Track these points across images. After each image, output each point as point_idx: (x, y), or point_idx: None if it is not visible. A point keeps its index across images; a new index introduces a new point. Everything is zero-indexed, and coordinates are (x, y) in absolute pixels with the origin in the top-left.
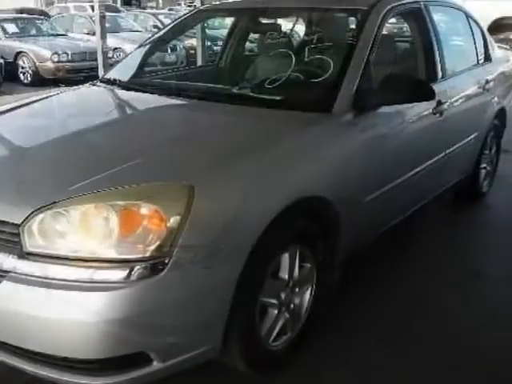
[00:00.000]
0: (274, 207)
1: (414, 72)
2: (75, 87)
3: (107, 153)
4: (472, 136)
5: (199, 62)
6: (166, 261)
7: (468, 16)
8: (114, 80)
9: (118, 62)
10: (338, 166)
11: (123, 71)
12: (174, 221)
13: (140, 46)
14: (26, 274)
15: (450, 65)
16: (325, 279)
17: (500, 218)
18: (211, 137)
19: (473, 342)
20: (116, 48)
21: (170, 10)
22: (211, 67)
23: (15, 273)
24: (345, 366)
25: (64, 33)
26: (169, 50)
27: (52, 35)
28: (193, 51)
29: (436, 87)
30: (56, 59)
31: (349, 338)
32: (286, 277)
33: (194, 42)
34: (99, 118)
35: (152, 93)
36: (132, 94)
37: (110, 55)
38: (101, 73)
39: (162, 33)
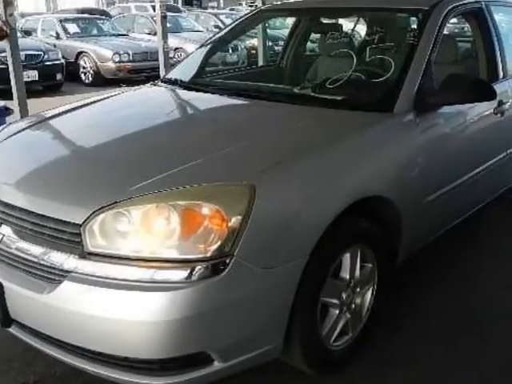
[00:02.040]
0: (335, 207)
1: (476, 72)
2: (136, 87)
3: (168, 153)
4: None
5: (260, 62)
6: (227, 261)
7: None
8: (176, 80)
9: (179, 62)
10: (399, 166)
11: (184, 71)
12: (235, 221)
13: (201, 46)
14: (87, 274)
15: (511, 64)
16: (386, 279)
17: None
18: (272, 137)
19: None
20: (177, 48)
21: (231, 9)
22: (272, 67)
23: (76, 273)
24: (407, 365)
25: (125, 33)
26: (230, 50)
27: (113, 35)
28: (254, 51)
29: (497, 87)
30: (117, 59)
31: (410, 337)
32: (348, 277)
33: (255, 42)
34: (160, 118)
35: (213, 93)
36: (193, 93)
37: (171, 55)
38: (162, 73)
39: (223, 33)
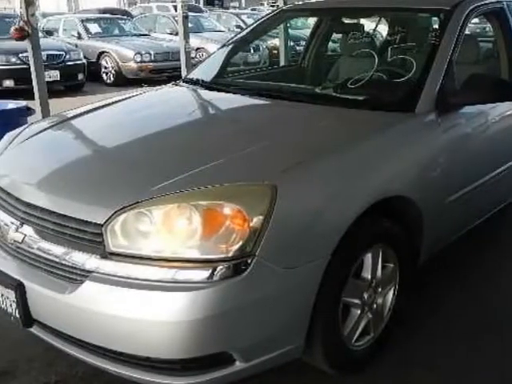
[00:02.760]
0: (356, 207)
1: (497, 72)
2: (158, 87)
3: (190, 153)
4: None
5: (282, 62)
6: (249, 261)
7: None
8: (197, 80)
9: (200, 61)
10: (421, 165)
11: (206, 71)
12: (256, 221)
13: (223, 46)
14: (108, 274)
15: None
16: (408, 279)
17: None
18: (294, 137)
19: None
20: (199, 48)
21: (252, 9)
22: (294, 67)
23: (98, 273)
24: (428, 365)
25: (147, 33)
26: (251, 50)
27: (135, 35)
28: (275, 51)
29: None
30: (139, 59)
31: (432, 337)
32: (369, 277)
33: (276, 42)
34: (182, 118)
35: (234, 93)
36: (214, 93)
37: (192, 55)
38: (184, 73)
39: (244, 33)
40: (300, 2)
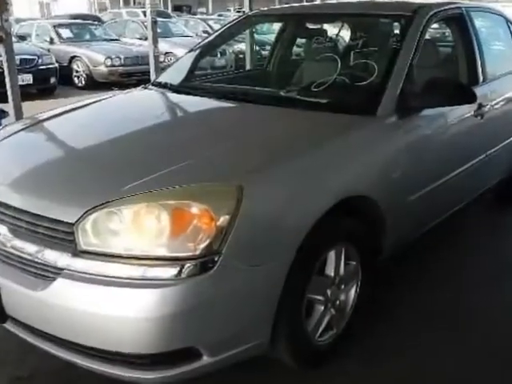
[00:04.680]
0: (319, 206)
1: (456, 76)
2: (128, 90)
3: (159, 154)
4: None
5: (248, 66)
6: (216, 259)
7: (508, 21)
8: (166, 83)
9: (169, 66)
10: (383, 166)
11: (174, 75)
12: (223, 220)
13: (190, 51)
14: (79, 272)
15: (490, 69)
16: (369, 277)
17: None
18: (259, 138)
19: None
20: (167, 52)
21: (219, 15)
22: (259, 71)
23: (69, 270)
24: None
25: (117, 38)
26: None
27: (105, 40)
28: (241, 55)
29: (477, 90)
30: (109, 63)
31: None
32: (332, 274)
33: (242, 46)
34: (151, 120)
35: (202, 96)
36: (182, 97)
37: (161, 59)
38: (152, 76)
39: (211, 38)
40: (265, 8)
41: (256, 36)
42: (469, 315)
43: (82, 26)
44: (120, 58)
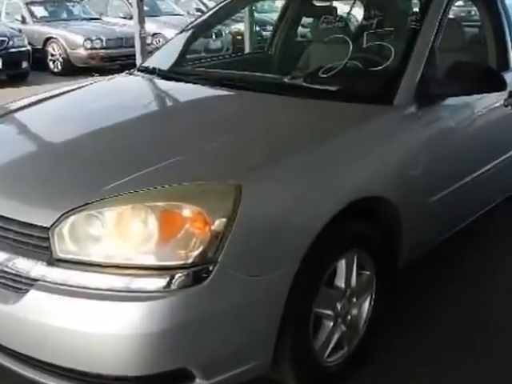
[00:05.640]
0: (329, 209)
1: (484, 60)
2: (110, 77)
3: (146, 149)
4: None
5: (247, 49)
6: (211, 268)
7: None
8: (153, 69)
9: (157, 48)
10: (400, 163)
11: (163, 59)
12: (219, 224)
13: (182, 32)
14: (55, 283)
15: None
16: (385, 287)
17: None
18: (260, 132)
19: None
20: (155, 33)
21: None
22: (260, 55)
23: (44, 281)
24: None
25: (98, 17)
26: (213, 36)
27: (84, 19)
28: (240, 37)
29: (508, 77)
30: (89, 46)
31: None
32: (343, 285)
33: (241, 26)
34: (136, 110)
35: (195, 83)
36: (173, 84)
37: (148, 41)
38: (138, 61)
39: (205, 17)
40: None
41: (256, 15)
42: (498, 328)
43: (59, 4)
44: (101, 40)
